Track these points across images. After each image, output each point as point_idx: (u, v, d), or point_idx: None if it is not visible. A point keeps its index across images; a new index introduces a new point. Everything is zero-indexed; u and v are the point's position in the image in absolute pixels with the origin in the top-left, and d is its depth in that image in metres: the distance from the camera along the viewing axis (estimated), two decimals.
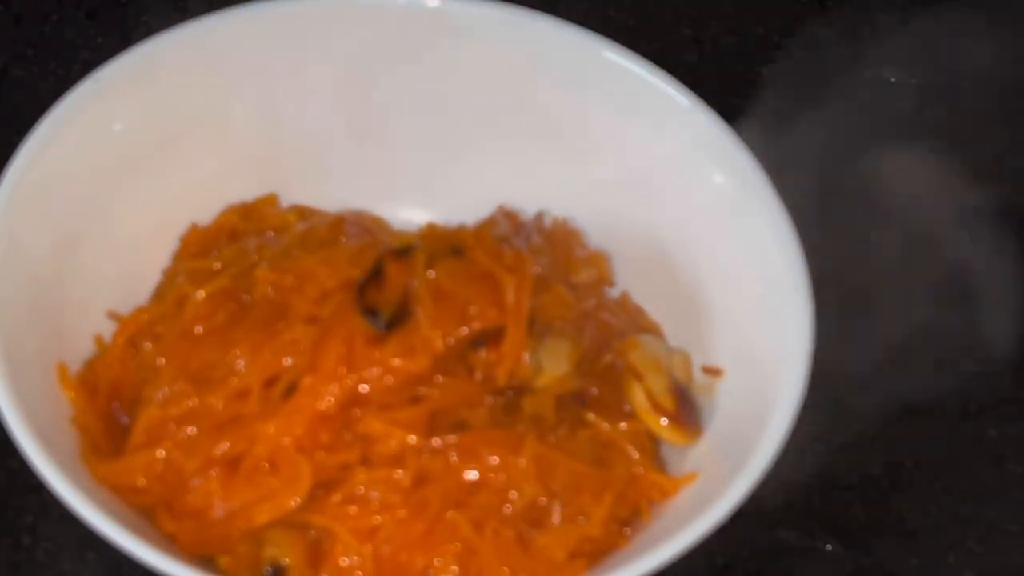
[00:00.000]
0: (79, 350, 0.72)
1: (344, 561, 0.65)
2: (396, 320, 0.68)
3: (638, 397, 0.70)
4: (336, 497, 0.66)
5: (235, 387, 0.67)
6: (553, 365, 0.70)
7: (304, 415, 0.66)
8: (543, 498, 0.66)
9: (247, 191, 0.79)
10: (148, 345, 0.70)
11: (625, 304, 0.77)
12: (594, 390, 0.71)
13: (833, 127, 0.88)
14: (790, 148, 0.83)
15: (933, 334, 0.81)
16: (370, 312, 0.68)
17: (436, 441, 0.67)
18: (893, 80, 0.92)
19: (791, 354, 0.69)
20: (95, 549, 0.71)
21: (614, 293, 0.78)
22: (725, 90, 0.80)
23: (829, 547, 0.75)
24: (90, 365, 0.72)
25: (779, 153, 0.77)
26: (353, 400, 0.67)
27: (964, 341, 0.81)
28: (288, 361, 0.67)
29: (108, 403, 0.70)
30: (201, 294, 0.70)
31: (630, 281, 0.79)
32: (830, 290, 0.74)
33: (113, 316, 0.73)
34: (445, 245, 0.72)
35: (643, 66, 0.78)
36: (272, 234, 0.76)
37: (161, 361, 0.69)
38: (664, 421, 0.70)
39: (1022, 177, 0.89)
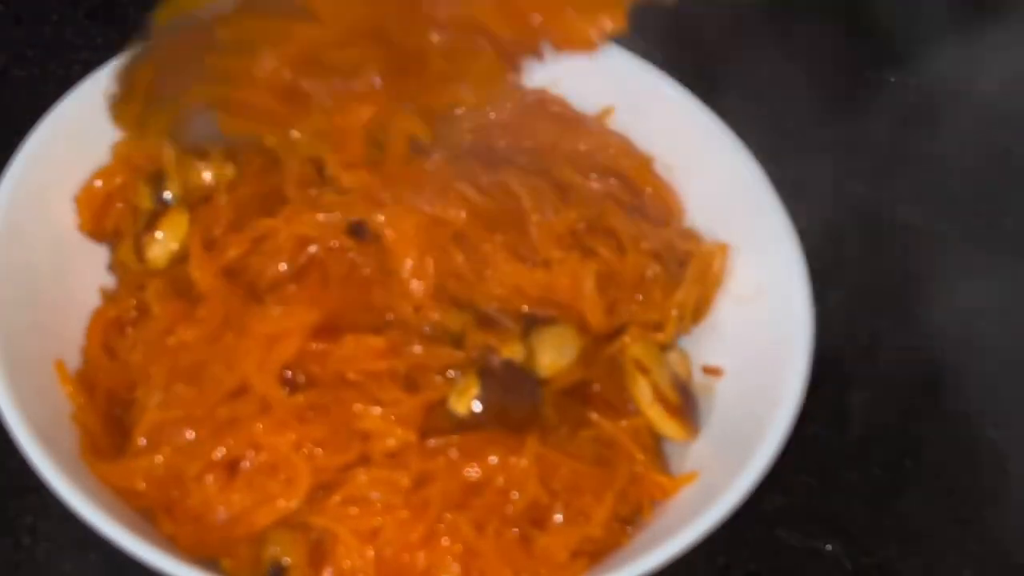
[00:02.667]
0: (79, 350, 0.72)
1: (346, 562, 0.65)
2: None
3: (643, 390, 0.70)
4: (337, 498, 0.66)
5: (231, 385, 0.67)
6: (557, 354, 0.70)
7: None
8: (544, 498, 0.66)
9: None
10: (125, 349, 0.70)
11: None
12: (596, 387, 0.71)
13: (833, 127, 0.89)
14: (790, 148, 0.83)
15: (933, 332, 0.81)
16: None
17: (437, 440, 0.67)
18: (893, 80, 0.92)
19: (791, 354, 0.69)
20: (95, 549, 0.71)
21: None
22: (725, 90, 0.80)
23: (829, 547, 0.75)
24: (88, 363, 0.72)
25: (779, 153, 0.77)
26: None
27: (963, 339, 0.81)
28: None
29: (106, 402, 0.70)
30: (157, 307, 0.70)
31: None
32: (830, 290, 0.74)
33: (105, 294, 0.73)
34: None
35: (643, 66, 0.78)
36: None
37: (148, 366, 0.69)
38: (666, 414, 0.70)
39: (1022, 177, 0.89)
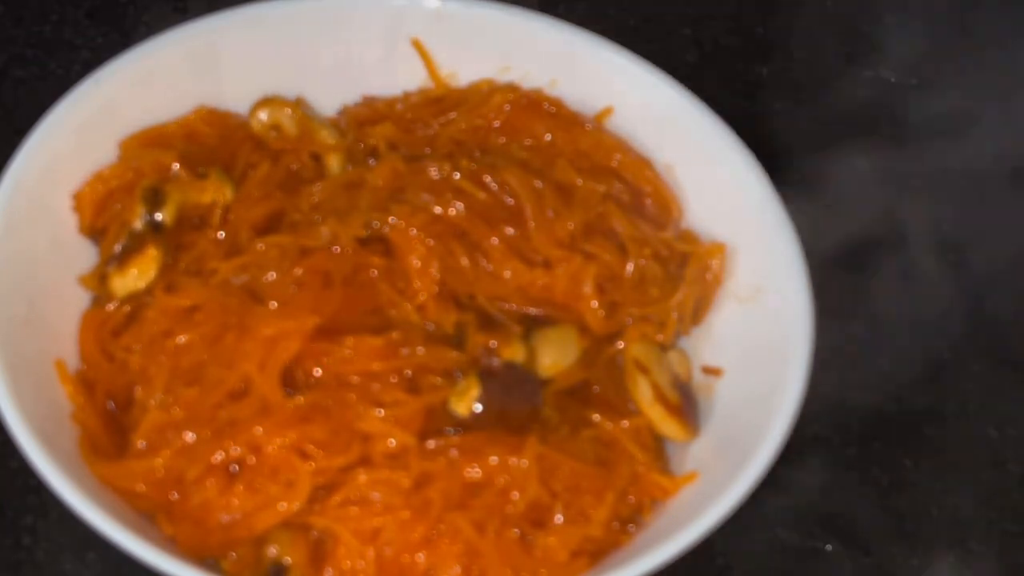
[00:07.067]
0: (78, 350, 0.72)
1: (347, 563, 0.65)
2: None
3: (643, 390, 0.70)
4: (337, 498, 0.66)
5: (231, 386, 0.67)
6: (558, 355, 0.70)
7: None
8: (545, 498, 0.66)
9: None
10: (122, 350, 0.70)
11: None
12: (596, 388, 0.71)
13: (833, 126, 0.89)
14: (791, 148, 0.83)
15: (932, 332, 0.81)
16: None
17: (438, 441, 0.67)
18: (893, 80, 0.92)
19: (791, 354, 0.69)
20: (95, 549, 0.71)
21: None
22: (725, 90, 0.80)
23: (829, 547, 0.75)
24: (86, 365, 0.72)
25: (779, 153, 0.77)
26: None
27: (963, 339, 0.81)
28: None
29: (105, 401, 0.70)
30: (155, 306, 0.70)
31: None
32: (831, 290, 0.74)
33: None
34: None
35: (643, 66, 0.78)
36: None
37: (148, 366, 0.69)
38: (666, 414, 0.70)
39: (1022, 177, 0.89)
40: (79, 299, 0.73)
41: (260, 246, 0.71)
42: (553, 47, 0.79)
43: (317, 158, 0.76)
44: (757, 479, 0.66)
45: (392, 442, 0.66)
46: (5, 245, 0.70)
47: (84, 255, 0.74)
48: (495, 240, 0.72)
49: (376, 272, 0.71)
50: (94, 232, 0.74)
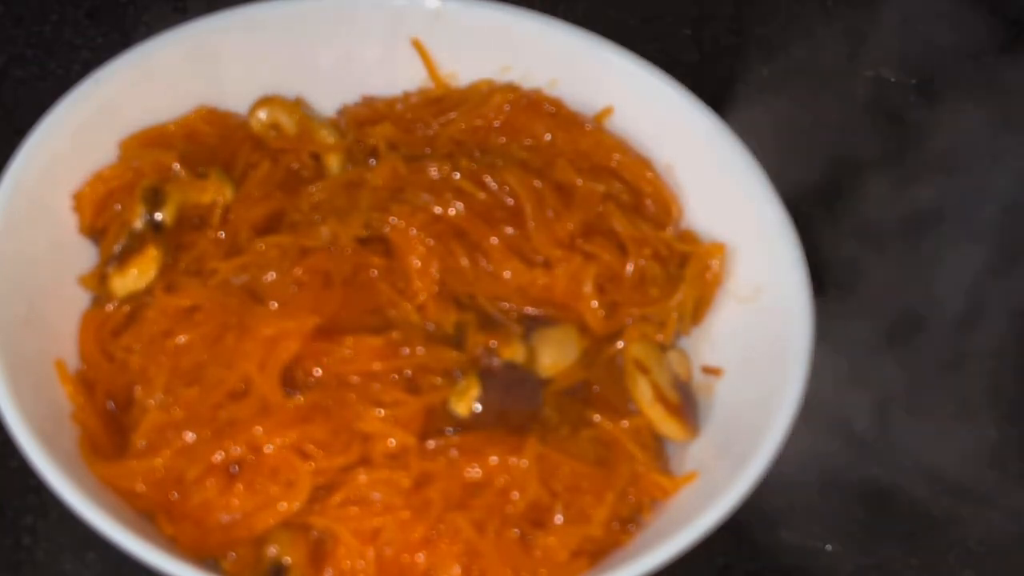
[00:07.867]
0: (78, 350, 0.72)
1: (347, 563, 0.65)
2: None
3: (643, 390, 0.70)
4: (337, 498, 0.66)
5: (231, 386, 0.67)
6: (558, 355, 0.70)
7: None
8: (545, 498, 0.66)
9: None
10: (122, 350, 0.70)
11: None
12: (596, 388, 0.71)
13: (833, 126, 0.89)
14: (790, 148, 0.83)
15: (931, 332, 0.81)
16: None
17: (438, 441, 0.67)
18: (893, 80, 0.93)
19: (791, 354, 0.69)
20: (95, 549, 0.71)
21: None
22: (725, 90, 0.80)
23: (829, 547, 0.75)
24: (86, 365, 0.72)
25: (779, 153, 0.77)
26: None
27: (963, 340, 0.81)
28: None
29: (105, 401, 0.70)
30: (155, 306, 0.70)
31: None
32: (831, 290, 0.74)
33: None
34: None
35: (643, 66, 0.78)
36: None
37: (148, 367, 0.69)
38: (666, 414, 0.70)
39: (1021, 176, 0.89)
40: (79, 299, 0.73)
41: (260, 246, 0.71)
42: (553, 47, 0.79)
43: (317, 158, 0.77)
44: (757, 479, 0.66)
45: (392, 442, 0.66)
46: (5, 245, 0.70)
47: (84, 255, 0.74)
48: (495, 240, 0.72)
49: (376, 272, 0.71)
50: (94, 232, 0.74)
